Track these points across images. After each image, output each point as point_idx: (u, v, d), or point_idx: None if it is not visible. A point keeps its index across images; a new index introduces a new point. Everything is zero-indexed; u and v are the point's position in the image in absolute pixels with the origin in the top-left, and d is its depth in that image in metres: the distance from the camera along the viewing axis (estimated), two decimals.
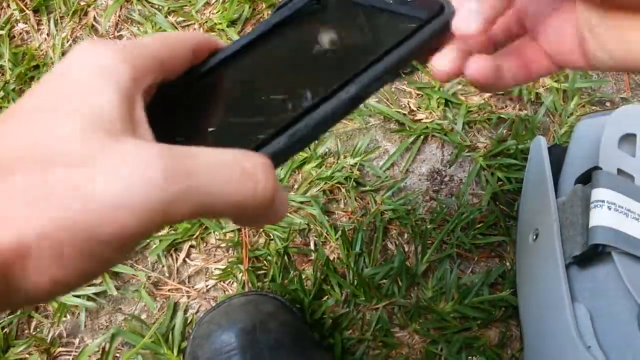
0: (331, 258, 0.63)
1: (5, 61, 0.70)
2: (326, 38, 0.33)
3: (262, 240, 0.64)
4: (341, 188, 0.66)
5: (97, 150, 0.20)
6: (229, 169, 0.22)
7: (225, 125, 0.29)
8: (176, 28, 0.73)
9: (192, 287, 0.63)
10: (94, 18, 0.74)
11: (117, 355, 0.60)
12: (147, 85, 0.25)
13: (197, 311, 0.62)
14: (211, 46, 0.31)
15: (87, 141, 0.20)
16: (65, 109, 0.22)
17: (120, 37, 0.74)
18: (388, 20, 0.33)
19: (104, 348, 0.60)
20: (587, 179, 0.52)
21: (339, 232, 0.63)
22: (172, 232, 0.64)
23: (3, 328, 0.60)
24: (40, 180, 0.19)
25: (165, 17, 0.73)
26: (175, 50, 0.28)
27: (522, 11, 0.34)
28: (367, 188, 0.66)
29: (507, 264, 0.63)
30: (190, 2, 0.73)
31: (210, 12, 0.73)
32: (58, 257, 0.19)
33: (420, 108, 0.70)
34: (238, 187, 0.22)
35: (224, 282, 0.63)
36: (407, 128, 0.69)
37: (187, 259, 0.64)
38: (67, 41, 0.73)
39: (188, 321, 0.61)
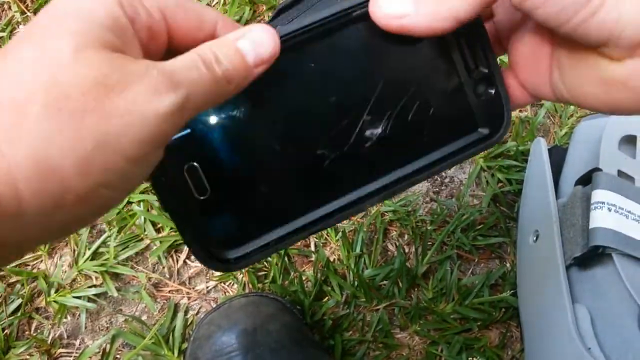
0: (331, 259, 0.63)
1: None
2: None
3: None
4: None
5: (99, 74, 0.21)
6: (195, 65, 0.23)
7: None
8: None
9: (193, 288, 0.63)
10: None
11: (118, 356, 0.60)
12: (139, 24, 0.24)
13: (198, 312, 0.62)
14: None
15: (83, 64, 0.21)
16: (54, 31, 0.22)
17: None
18: (452, 109, 0.29)
19: (104, 349, 0.60)
20: (587, 180, 0.52)
21: (340, 234, 0.63)
22: (173, 233, 0.64)
23: (4, 329, 0.60)
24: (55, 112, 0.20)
25: None
26: (189, 12, 0.26)
27: (503, 36, 0.34)
28: None
29: (508, 265, 0.63)
30: None
31: None
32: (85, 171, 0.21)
33: None
34: (202, 77, 0.23)
35: (224, 284, 0.63)
36: None
37: (187, 260, 0.64)
38: None
39: (188, 322, 0.61)
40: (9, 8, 0.75)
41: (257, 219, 0.26)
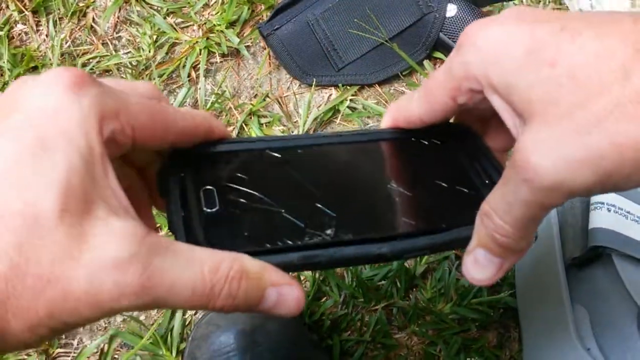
0: None
1: (4, 62, 0.70)
2: (400, 180, 0.32)
3: None
4: None
5: (75, 241, 0.21)
6: (192, 280, 0.23)
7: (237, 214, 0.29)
8: (175, 29, 0.72)
9: None
10: (93, 19, 0.74)
11: (116, 356, 0.60)
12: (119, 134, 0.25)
13: (196, 312, 0.61)
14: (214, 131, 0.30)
15: (65, 228, 0.21)
16: (36, 181, 0.21)
17: (119, 38, 0.74)
18: (471, 193, 0.32)
19: (102, 349, 0.59)
20: None
21: None
22: (170, 234, 0.63)
23: None
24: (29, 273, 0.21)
25: (164, 18, 0.73)
26: (156, 123, 0.27)
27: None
28: None
29: None
30: (189, 3, 0.73)
31: (209, 13, 0.73)
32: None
33: None
34: (193, 298, 0.24)
35: None
36: None
37: None
38: (66, 42, 0.73)
39: (187, 322, 0.61)
40: (7, 7, 0.74)
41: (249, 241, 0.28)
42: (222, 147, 0.31)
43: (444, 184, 0.32)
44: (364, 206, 0.30)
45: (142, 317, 0.61)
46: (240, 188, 0.29)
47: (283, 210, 0.28)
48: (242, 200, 0.29)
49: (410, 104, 0.33)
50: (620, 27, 0.24)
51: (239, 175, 0.30)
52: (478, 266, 0.29)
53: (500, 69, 0.26)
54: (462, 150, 0.34)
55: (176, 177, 0.29)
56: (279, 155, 0.31)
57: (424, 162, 0.34)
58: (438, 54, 0.71)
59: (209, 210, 0.28)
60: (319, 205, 0.29)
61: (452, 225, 0.30)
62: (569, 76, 0.24)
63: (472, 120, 0.35)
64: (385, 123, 0.35)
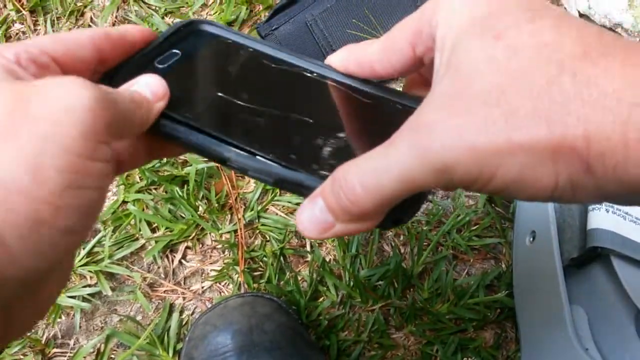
0: (327, 259, 0.63)
1: None
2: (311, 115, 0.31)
3: (258, 242, 0.64)
4: None
5: None
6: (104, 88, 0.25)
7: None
8: None
9: (188, 288, 0.62)
10: (91, 19, 0.74)
11: (112, 356, 0.59)
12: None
13: (193, 312, 0.61)
14: (120, 41, 0.31)
15: None
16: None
17: None
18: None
19: (99, 349, 0.59)
20: None
21: None
22: (168, 233, 0.63)
23: None
24: None
25: (162, 18, 0.73)
26: (65, 42, 0.28)
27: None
28: None
29: (503, 265, 0.63)
30: (187, 3, 0.73)
31: (207, 13, 0.73)
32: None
33: None
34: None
35: (219, 284, 0.63)
36: None
37: (182, 260, 0.64)
38: None
39: (183, 322, 0.61)
40: (4, 6, 0.74)
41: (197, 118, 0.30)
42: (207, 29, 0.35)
43: (347, 134, 0.31)
44: (263, 120, 0.31)
45: (139, 317, 0.61)
46: (194, 63, 0.33)
47: (209, 96, 0.32)
48: (185, 71, 0.32)
49: (368, 47, 0.31)
50: (584, 29, 0.23)
51: (202, 55, 0.34)
52: (313, 218, 0.27)
53: (455, 26, 0.25)
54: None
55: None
56: (245, 52, 0.34)
57: (352, 109, 0.32)
58: None
59: (159, 65, 0.32)
60: (226, 98, 0.32)
61: (315, 172, 0.28)
62: (505, 54, 0.23)
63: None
64: (336, 58, 0.32)
